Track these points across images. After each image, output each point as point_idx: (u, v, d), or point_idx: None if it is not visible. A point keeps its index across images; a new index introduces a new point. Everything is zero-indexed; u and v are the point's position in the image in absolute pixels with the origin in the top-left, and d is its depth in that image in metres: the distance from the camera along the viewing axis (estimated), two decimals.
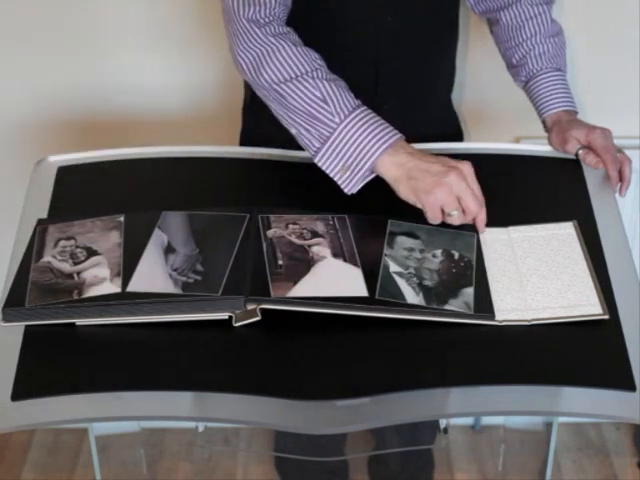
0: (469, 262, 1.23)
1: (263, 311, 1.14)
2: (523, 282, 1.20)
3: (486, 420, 2.21)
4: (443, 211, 1.25)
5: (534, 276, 1.21)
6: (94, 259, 1.22)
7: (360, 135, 1.26)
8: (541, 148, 1.46)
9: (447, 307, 1.15)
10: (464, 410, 1.11)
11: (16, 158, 1.88)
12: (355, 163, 1.27)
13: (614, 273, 1.22)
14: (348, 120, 1.27)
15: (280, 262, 1.20)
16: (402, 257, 1.22)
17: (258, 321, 1.14)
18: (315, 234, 1.25)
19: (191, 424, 1.53)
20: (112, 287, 1.17)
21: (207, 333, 1.14)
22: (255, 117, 1.54)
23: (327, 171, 1.29)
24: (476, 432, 2.21)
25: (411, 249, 1.24)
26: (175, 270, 1.19)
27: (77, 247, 1.24)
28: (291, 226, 1.26)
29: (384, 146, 1.26)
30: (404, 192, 1.25)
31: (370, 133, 1.26)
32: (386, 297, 1.16)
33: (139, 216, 1.29)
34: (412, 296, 1.16)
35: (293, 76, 1.28)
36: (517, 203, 1.35)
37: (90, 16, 1.75)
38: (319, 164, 1.30)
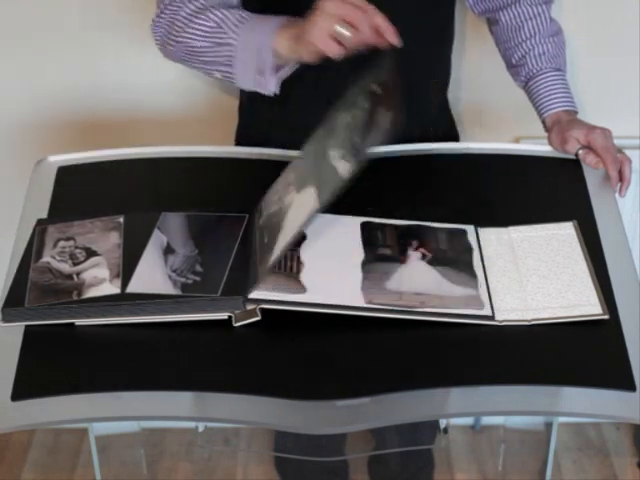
0: (385, 83, 1.18)
1: (263, 311, 1.14)
2: (523, 282, 1.20)
3: (486, 420, 2.21)
4: (339, 42, 1.19)
5: (534, 276, 1.21)
6: (93, 260, 1.22)
7: (254, 38, 1.28)
8: (541, 148, 1.46)
9: (368, 148, 1.14)
10: (464, 410, 1.11)
11: (16, 158, 1.88)
12: (260, 63, 1.28)
13: (614, 273, 1.22)
14: (242, 31, 1.29)
15: (266, 240, 1.20)
16: (338, 162, 1.18)
17: (258, 321, 1.14)
18: None
19: (191, 424, 1.53)
20: (111, 288, 1.17)
21: (207, 333, 1.14)
22: (251, 116, 1.54)
23: (251, 88, 1.31)
24: (476, 432, 2.21)
25: (343, 155, 1.18)
26: (174, 271, 1.19)
27: (76, 248, 1.24)
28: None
29: (271, 32, 1.26)
30: (304, 51, 1.23)
31: (260, 31, 1.28)
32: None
33: (139, 217, 1.29)
34: (345, 169, 1.14)
35: (186, 22, 1.32)
36: (517, 203, 1.35)
37: (90, 16, 1.75)
38: (243, 87, 1.33)
